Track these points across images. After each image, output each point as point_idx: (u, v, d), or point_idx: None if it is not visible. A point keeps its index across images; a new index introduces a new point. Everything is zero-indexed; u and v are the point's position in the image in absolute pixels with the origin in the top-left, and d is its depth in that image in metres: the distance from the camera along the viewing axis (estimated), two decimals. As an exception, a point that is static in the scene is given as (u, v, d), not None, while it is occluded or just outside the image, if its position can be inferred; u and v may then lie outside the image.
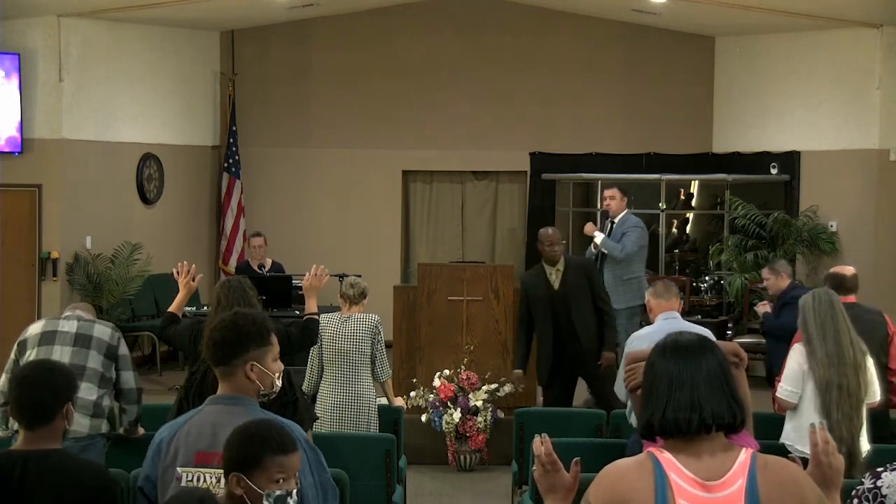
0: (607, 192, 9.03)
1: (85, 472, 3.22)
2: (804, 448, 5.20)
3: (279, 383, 3.30)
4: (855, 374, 5.18)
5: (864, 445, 5.22)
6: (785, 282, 7.63)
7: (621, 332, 8.88)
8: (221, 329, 3.23)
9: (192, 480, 3.15)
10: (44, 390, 3.20)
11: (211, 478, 3.13)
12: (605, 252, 8.77)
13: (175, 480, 3.17)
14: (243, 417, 3.13)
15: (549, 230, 7.74)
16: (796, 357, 5.35)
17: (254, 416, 3.16)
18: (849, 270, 6.55)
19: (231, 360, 3.20)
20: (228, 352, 3.20)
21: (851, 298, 6.24)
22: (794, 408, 5.35)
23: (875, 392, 5.33)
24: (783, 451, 5.13)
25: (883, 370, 6.07)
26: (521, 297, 7.70)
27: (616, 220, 8.92)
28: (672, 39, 12.33)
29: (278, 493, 2.77)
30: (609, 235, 8.89)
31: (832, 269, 6.75)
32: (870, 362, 5.31)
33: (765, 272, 7.86)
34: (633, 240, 8.79)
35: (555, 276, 7.57)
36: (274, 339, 3.28)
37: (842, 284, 6.30)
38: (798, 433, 5.31)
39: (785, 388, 5.36)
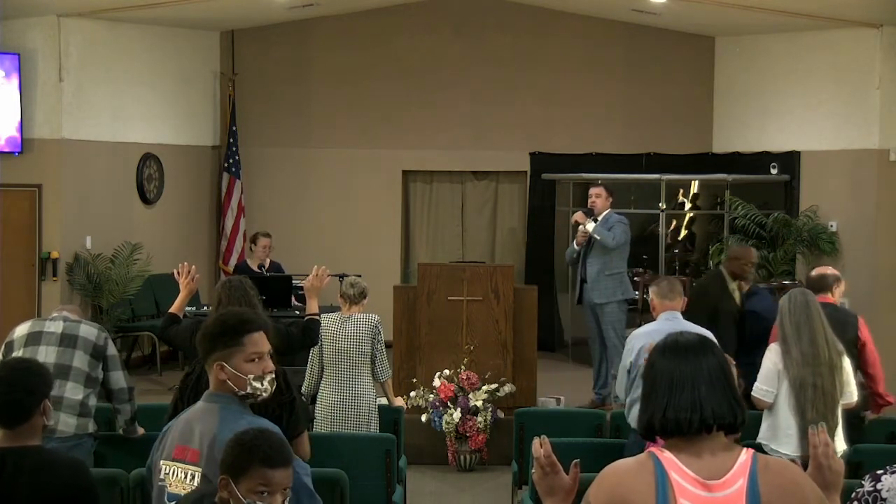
0: (593, 191, 9.18)
1: (63, 469, 3.24)
2: (778, 447, 5.21)
3: (262, 386, 3.24)
4: (830, 373, 5.17)
5: (841, 445, 5.22)
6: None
7: (608, 328, 8.96)
8: (201, 328, 3.33)
9: (168, 473, 3.19)
10: (19, 390, 3.23)
11: (181, 472, 3.15)
12: (598, 238, 8.86)
13: (157, 472, 3.22)
14: (215, 416, 3.16)
15: (752, 250, 7.95)
16: (771, 356, 5.35)
17: (227, 415, 3.17)
18: (818, 270, 6.52)
19: (205, 360, 3.28)
20: (202, 351, 3.28)
21: (827, 298, 6.23)
22: (770, 407, 5.35)
23: (852, 392, 5.32)
24: (759, 451, 5.12)
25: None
26: (703, 305, 7.32)
27: (599, 218, 9.00)
28: (672, 39, 12.32)
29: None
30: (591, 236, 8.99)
31: (814, 271, 6.73)
32: (846, 362, 5.29)
33: None
34: (620, 232, 8.94)
35: (738, 294, 7.61)
36: (249, 340, 3.23)
37: (807, 283, 6.33)
38: (773, 432, 5.31)
39: (760, 387, 5.36)
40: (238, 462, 2.77)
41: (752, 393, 5.41)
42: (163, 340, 7.54)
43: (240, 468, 2.77)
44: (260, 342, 3.26)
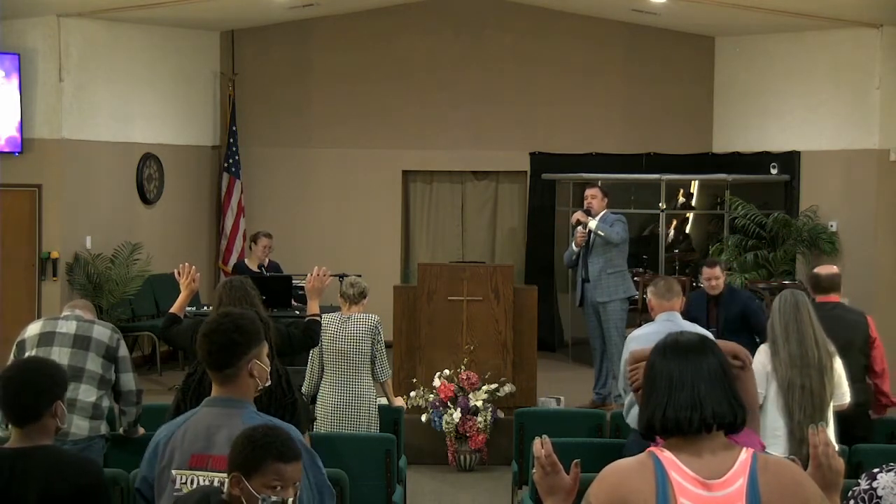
0: (589, 192, 9.12)
1: (73, 467, 3.24)
2: (767, 448, 5.21)
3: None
4: (819, 375, 5.15)
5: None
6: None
7: (610, 326, 8.91)
8: (223, 332, 3.23)
9: (185, 483, 3.15)
10: (27, 391, 3.23)
11: (204, 481, 3.12)
12: (601, 235, 8.80)
13: (170, 483, 3.17)
14: (238, 420, 3.14)
15: None
16: (760, 357, 5.34)
17: (249, 418, 3.17)
18: (825, 270, 6.47)
19: (237, 362, 3.22)
20: (235, 353, 3.21)
21: (833, 298, 6.21)
22: (760, 408, 5.34)
23: (843, 394, 5.29)
24: None
25: (864, 370, 6.06)
26: None
27: (597, 218, 8.95)
28: (672, 39, 12.32)
29: (274, 499, 2.78)
30: (590, 235, 8.93)
31: (815, 269, 6.68)
32: (838, 364, 5.27)
33: (717, 270, 7.73)
34: (621, 228, 8.89)
35: None
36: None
37: (818, 284, 6.29)
38: (762, 433, 5.31)
39: None
40: (251, 459, 2.78)
41: None
42: (164, 341, 7.37)
43: (253, 464, 2.78)
44: None
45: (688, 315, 8.02)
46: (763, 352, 5.33)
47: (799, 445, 4.97)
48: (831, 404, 5.21)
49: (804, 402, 5.11)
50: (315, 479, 3.21)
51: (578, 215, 9.06)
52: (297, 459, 2.84)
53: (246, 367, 3.22)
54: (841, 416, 5.34)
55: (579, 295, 9.20)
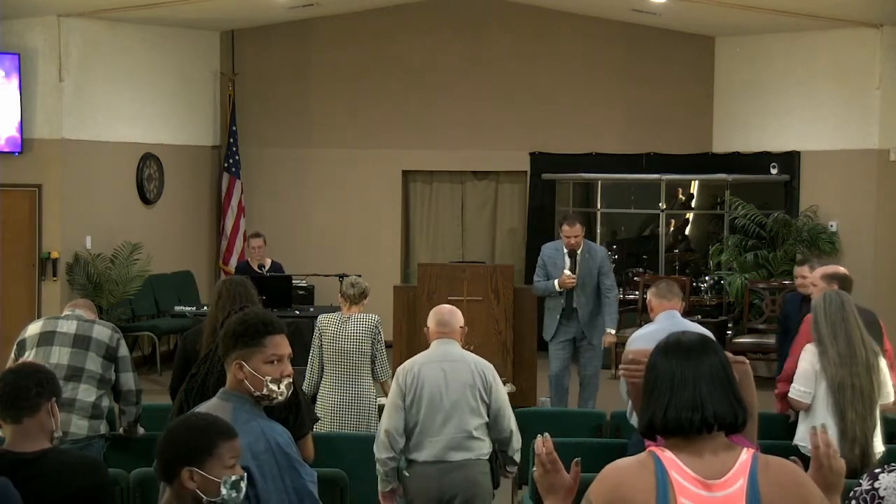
0: (570, 231, 8.17)
1: (79, 468, 3.25)
2: None
3: (278, 389, 3.24)
4: (868, 374, 5.15)
5: (879, 447, 5.20)
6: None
7: (594, 366, 8.27)
8: (225, 325, 3.31)
9: None
10: (28, 380, 3.29)
11: None
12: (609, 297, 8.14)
13: None
14: (227, 414, 3.12)
15: None
16: (808, 357, 5.33)
17: (239, 414, 3.15)
18: (840, 270, 6.45)
19: (225, 357, 3.26)
20: (223, 348, 3.27)
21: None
22: (808, 408, 5.34)
23: (889, 393, 5.29)
24: (793, 451, 5.09)
25: None
26: None
27: (579, 252, 8.23)
28: (672, 39, 12.32)
29: (234, 477, 2.79)
30: (576, 268, 8.21)
31: (833, 271, 6.51)
32: (882, 363, 5.27)
33: (805, 269, 7.12)
34: (610, 270, 8.29)
35: None
36: (271, 342, 3.23)
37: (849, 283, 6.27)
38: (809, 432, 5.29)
39: (797, 388, 5.35)
40: (204, 444, 2.77)
41: (790, 394, 5.38)
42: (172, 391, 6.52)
43: (208, 449, 2.77)
44: (281, 345, 3.26)
45: (782, 314, 7.74)
46: (811, 351, 5.32)
47: (851, 445, 4.96)
48: (879, 403, 5.21)
49: (855, 401, 5.11)
50: (293, 483, 3.17)
51: (611, 339, 8.12)
52: (237, 434, 2.86)
53: (231, 364, 3.22)
54: None
55: (554, 329, 8.22)
